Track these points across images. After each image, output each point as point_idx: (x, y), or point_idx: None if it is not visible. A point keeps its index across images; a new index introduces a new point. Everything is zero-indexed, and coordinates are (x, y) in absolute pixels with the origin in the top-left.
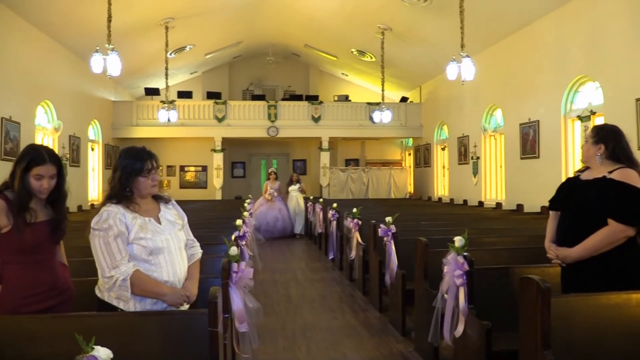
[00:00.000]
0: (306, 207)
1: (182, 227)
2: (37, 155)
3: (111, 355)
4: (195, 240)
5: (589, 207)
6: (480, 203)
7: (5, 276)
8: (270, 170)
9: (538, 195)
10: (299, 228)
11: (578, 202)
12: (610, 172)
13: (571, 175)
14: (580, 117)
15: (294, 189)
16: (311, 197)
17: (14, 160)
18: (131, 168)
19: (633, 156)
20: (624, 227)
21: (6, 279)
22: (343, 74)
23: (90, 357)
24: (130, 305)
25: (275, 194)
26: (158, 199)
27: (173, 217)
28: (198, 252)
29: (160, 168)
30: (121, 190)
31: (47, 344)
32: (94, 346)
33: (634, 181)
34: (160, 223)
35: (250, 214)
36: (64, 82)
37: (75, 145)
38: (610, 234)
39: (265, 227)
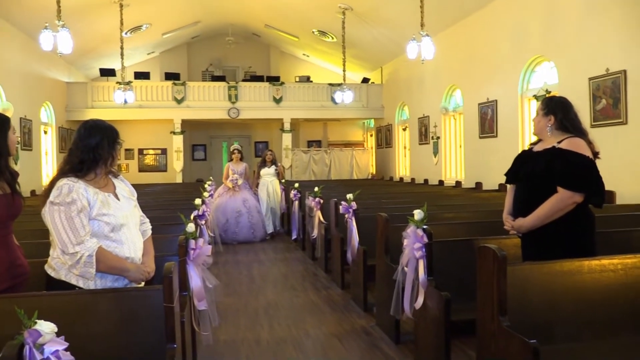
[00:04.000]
0: (287, 199)
1: (136, 203)
2: (6, 116)
3: (55, 329)
4: (145, 216)
5: (539, 177)
6: (441, 182)
7: None
8: (232, 148)
9: (496, 173)
10: (271, 226)
11: (528, 172)
12: (559, 142)
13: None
14: (536, 97)
15: (268, 172)
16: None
17: None
18: (112, 134)
19: (581, 126)
20: (572, 194)
21: None
22: (304, 54)
23: (32, 331)
24: (91, 283)
25: (240, 180)
26: (109, 173)
27: (127, 193)
28: (149, 227)
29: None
30: (109, 158)
31: None
32: (37, 320)
33: (581, 149)
34: (118, 199)
35: (211, 195)
36: (12, 62)
37: (27, 128)
38: (559, 200)
39: (223, 227)
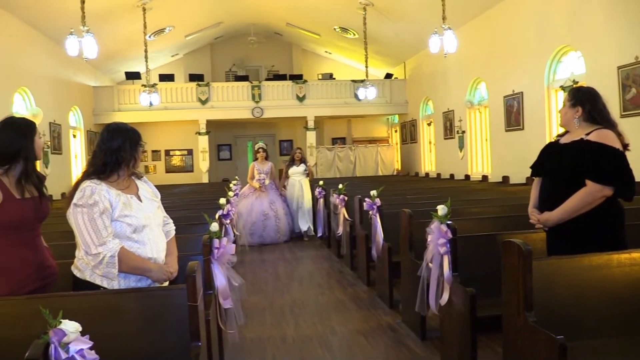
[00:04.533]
0: (315, 199)
1: (159, 204)
2: (32, 121)
3: (80, 329)
4: (168, 217)
5: (566, 170)
6: (467, 176)
7: None
8: (257, 147)
9: (523, 166)
10: (304, 225)
11: (556, 165)
12: (587, 134)
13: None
14: (563, 87)
15: (297, 171)
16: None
17: (16, 135)
18: (134, 136)
19: (610, 117)
20: (601, 187)
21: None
22: (326, 52)
23: (57, 330)
24: (115, 283)
25: (267, 180)
26: (132, 174)
27: (150, 194)
28: (172, 228)
29: (145, 153)
30: (131, 160)
31: (21, 326)
32: (62, 320)
33: (610, 141)
34: (141, 201)
35: (236, 195)
36: (40, 68)
37: (56, 133)
38: (587, 194)
39: (250, 229)
